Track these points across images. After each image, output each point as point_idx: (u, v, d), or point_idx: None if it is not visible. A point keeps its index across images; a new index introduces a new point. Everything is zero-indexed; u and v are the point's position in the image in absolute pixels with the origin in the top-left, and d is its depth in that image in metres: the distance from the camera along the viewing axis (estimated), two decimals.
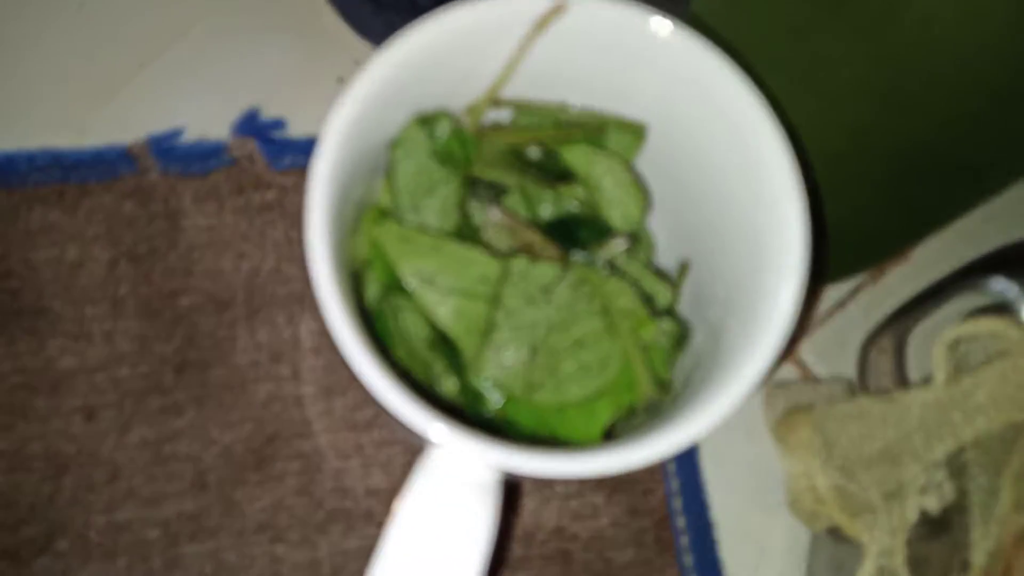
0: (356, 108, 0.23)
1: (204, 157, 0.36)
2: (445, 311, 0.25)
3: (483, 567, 0.22)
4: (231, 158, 0.37)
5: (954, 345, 0.27)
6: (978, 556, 0.25)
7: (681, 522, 0.34)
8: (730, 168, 0.25)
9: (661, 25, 0.24)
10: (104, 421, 0.33)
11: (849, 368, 0.37)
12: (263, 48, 0.39)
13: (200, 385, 0.34)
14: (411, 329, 0.25)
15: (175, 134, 0.37)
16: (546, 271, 0.26)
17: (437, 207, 0.26)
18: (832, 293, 0.38)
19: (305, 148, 0.37)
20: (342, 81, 0.39)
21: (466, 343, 0.25)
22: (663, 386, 0.25)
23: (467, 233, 0.27)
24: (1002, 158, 0.27)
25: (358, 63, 0.40)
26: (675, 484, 0.35)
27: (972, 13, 0.24)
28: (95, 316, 0.34)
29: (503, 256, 0.25)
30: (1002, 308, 0.27)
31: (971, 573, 0.25)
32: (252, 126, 0.37)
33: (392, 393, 0.20)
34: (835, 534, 0.33)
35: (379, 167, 0.26)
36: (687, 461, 0.35)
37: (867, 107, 0.25)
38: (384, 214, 0.26)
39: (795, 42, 0.27)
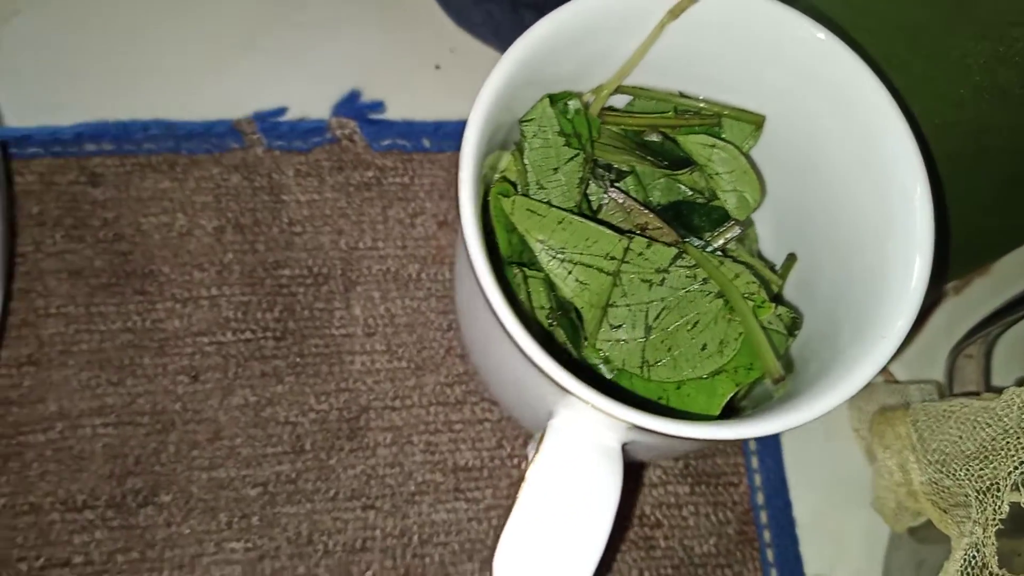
0: (499, 85, 0.24)
1: (306, 135, 0.37)
2: (571, 283, 0.25)
3: (610, 528, 0.22)
4: (332, 136, 0.38)
5: None
6: None
7: (764, 517, 0.35)
8: (852, 162, 0.26)
9: (799, 21, 0.25)
10: (208, 383, 0.33)
11: (932, 376, 0.37)
12: (365, 34, 0.40)
13: (298, 354, 0.34)
14: (533, 299, 0.26)
15: (279, 111, 0.38)
16: (663, 253, 0.27)
17: (562, 184, 0.27)
18: None
19: (403, 131, 0.38)
20: (439, 68, 0.40)
21: (587, 316, 0.26)
22: (788, 366, 0.26)
23: (585, 212, 0.27)
24: None
25: (454, 51, 0.41)
26: (758, 479, 0.35)
27: None
28: (201, 281, 0.35)
29: (623, 235, 0.26)
30: None
31: None
32: (352, 107, 0.38)
33: (539, 352, 0.21)
34: (916, 534, 0.34)
35: (502, 143, 0.27)
36: (771, 457, 0.35)
37: (988, 107, 0.26)
38: (511, 187, 0.26)
39: (913, 41, 0.28)
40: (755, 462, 0.35)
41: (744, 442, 0.35)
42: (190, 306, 0.34)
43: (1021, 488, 0.28)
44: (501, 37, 0.39)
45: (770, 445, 0.35)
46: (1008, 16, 0.26)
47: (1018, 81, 0.25)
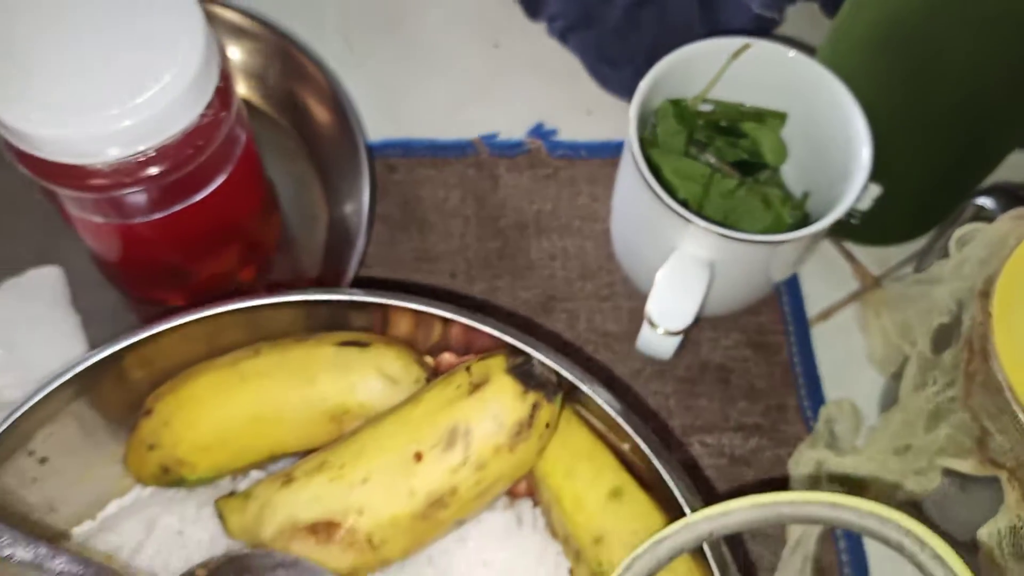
0: (643, 93, 0.48)
1: (513, 147, 0.62)
2: (684, 190, 0.48)
3: (703, 297, 0.44)
4: (527, 148, 0.62)
5: (960, 238, 0.49)
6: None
7: (799, 368, 0.56)
8: (834, 133, 0.49)
9: (801, 58, 0.49)
10: (460, 279, 0.57)
11: None
12: (545, 88, 0.65)
13: (511, 267, 0.58)
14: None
15: (495, 135, 0.63)
16: (731, 182, 0.49)
17: (676, 145, 0.50)
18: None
19: (569, 146, 0.63)
20: (590, 112, 0.65)
21: (691, 206, 0.49)
22: (803, 221, 0.48)
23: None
24: None
25: (599, 102, 0.65)
26: (794, 346, 0.56)
27: None
28: (455, 225, 0.59)
29: (711, 171, 0.49)
30: (989, 217, 0.49)
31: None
32: (538, 131, 0.63)
33: (668, 199, 0.44)
34: (896, 377, 0.54)
35: (645, 125, 0.51)
36: (801, 333, 0.57)
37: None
38: (650, 145, 0.50)
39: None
40: (792, 336, 0.56)
41: (784, 319, 0.57)
42: (448, 239, 0.58)
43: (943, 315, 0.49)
44: (629, 91, 0.64)
45: (800, 323, 0.57)
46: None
47: None
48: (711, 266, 0.45)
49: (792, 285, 0.58)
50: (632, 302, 0.57)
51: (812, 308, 0.58)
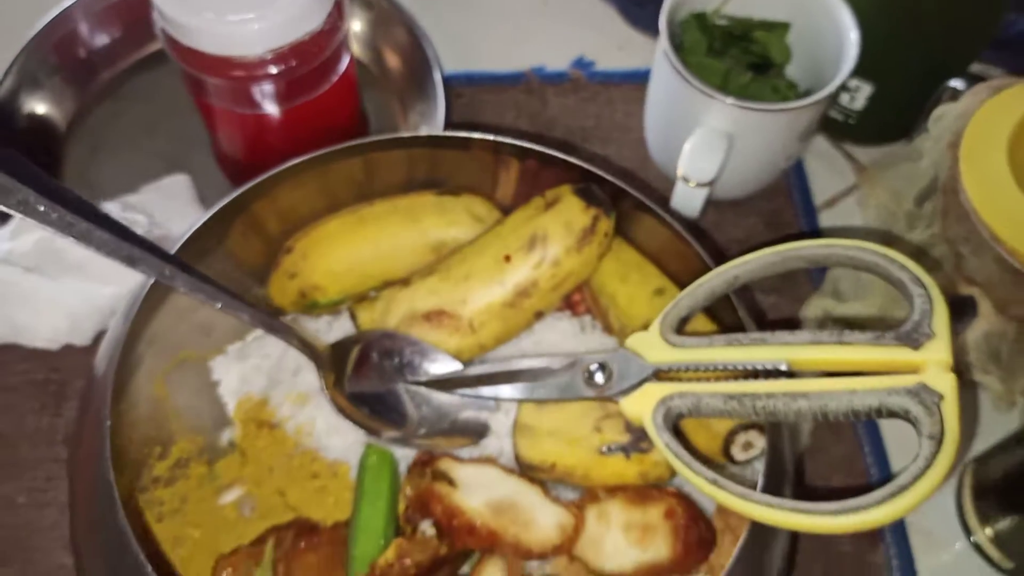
0: (670, 6, 0.59)
1: (558, 76, 0.73)
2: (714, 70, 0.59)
3: (725, 158, 0.55)
4: (570, 77, 0.73)
5: (936, 117, 0.59)
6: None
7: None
8: (828, 34, 0.59)
9: None
10: None
11: None
12: (580, 28, 0.76)
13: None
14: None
15: (543, 67, 0.74)
16: (745, 77, 0.60)
17: (699, 49, 0.61)
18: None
19: (605, 75, 0.74)
20: (621, 48, 0.76)
21: None
22: (800, 96, 0.59)
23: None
24: None
25: (629, 39, 0.76)
26: (804, 227, 0.66)
27: None
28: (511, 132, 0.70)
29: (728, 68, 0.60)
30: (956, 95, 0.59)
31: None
32: (579, 63, 0.74)
33: (692, 76, 0.55)
34: (888, 236, 0.64)
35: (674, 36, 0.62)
36: (810, 217, 0.67)
37: None
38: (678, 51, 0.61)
39: None
40: (802, 216, 0.67)
41: (794, 205, 0.67)
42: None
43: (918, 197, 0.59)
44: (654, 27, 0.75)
45: (808, 209, 0.67)
46: None
47: None
48: (731, 137, 0.56)
49: (800, 178, 0.69)
50: (665, 195, 0.68)
51: (818, 199, 0.69)
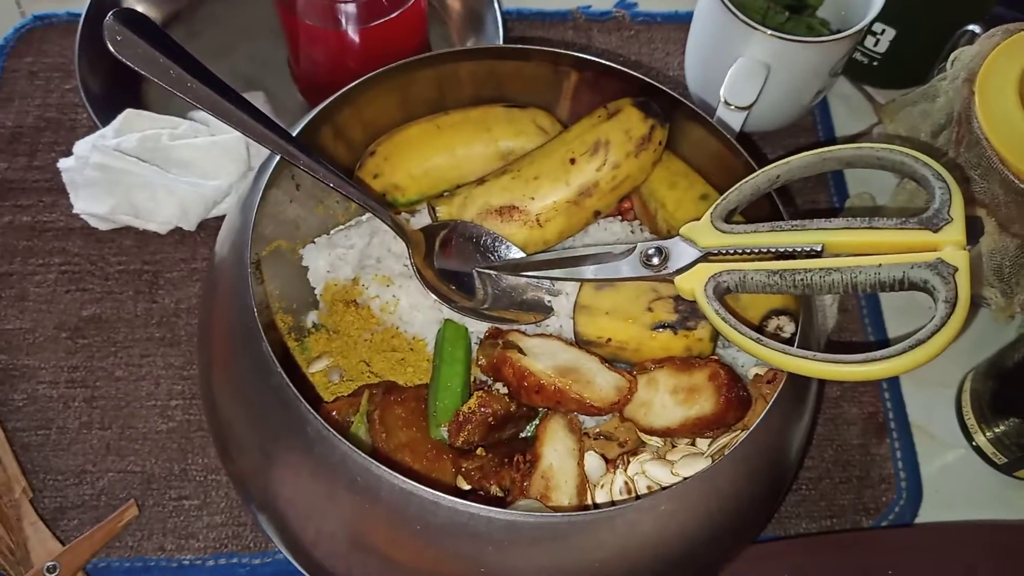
0: None
1: (603, 15, 0.79)
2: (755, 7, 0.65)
3: (759, 92, 0.61)
4: (614, 15, 0.79)
5: (954, 58, 0.65)
6: None
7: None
8: None
9: None
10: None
11: None
12: None
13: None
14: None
15: (589, 6, 0.80)
16: (782, 16, 0.66)
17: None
18: None
19: (647, 15, 0.79)
20: None
21: None
22: (828, 28, 0.65)
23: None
24: None
25: None
26: None
27: None
28: None
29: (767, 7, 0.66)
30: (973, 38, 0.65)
31: None
32: (622, 4, 0.80)
33: (734, 8, 0.60)
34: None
35: None
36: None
37: None
38: None
39: None
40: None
41: (819, 141, 0.73)
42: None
43: (934, 131, 0.65)
44: None
45: (827, 129, 0.73)
46: None
47: None
48: (768, 67, 0.62)
49: (824, 116, 0.75)
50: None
51: (841, 135, 0.75)
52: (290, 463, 0.40)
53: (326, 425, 0.38)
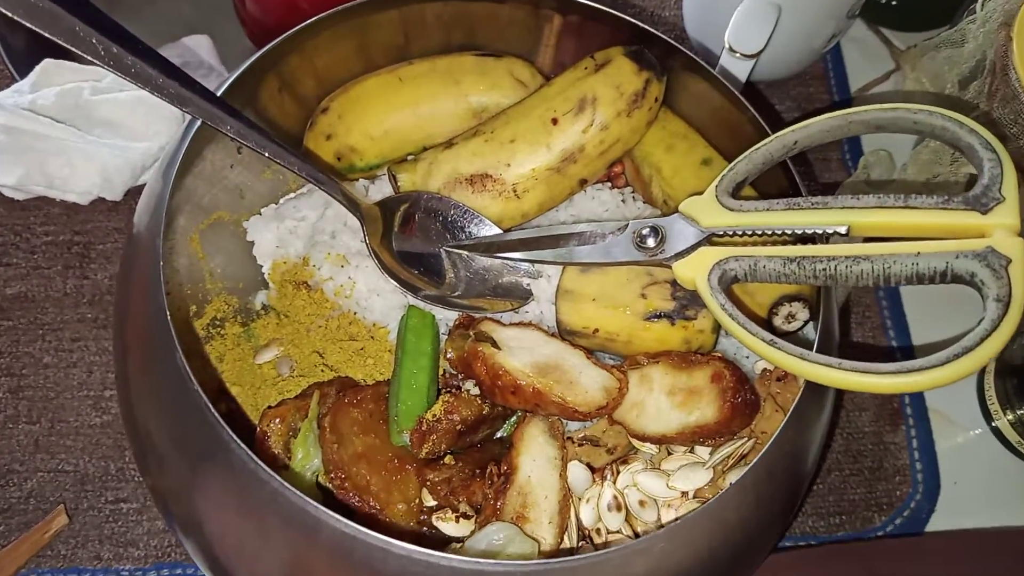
0: None
1: None
2: None
3: (768, 39, 0.53)
4: None
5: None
6: None
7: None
8: None
9: None
10: None
11: None
12: None
13: None
14: None
15: None
16: None
17: None
18: None
19: None
20: None
21: None
22: None
23: None
24: None
25: None
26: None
27: None
28: None
29: None
30: None
31: None
32: None
33: None
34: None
35: None
36: (845, 102, 0.65)
37: None
38: None
39: None
40: (837, 103, 0.65)
41: (830, 90, 0.65)
42: None
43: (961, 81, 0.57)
44: None
45: (844, 93, 0.66)
46: None
47: None
48: (779, 8, 0.54)
49: (837, 62, 0.67)
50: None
51: (854, 85, 0.67)
52: (215, 494, 0.34)
53: (253, 456, 0.31)
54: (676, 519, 0.34)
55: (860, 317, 0.59)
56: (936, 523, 0.54)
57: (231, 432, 0.31)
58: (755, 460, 0.34)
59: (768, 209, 0.38)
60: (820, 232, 0.37)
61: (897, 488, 0.55)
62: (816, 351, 0.36)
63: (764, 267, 0.37)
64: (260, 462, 0.31)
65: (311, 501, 0.30)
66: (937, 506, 0.55)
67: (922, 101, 0.62)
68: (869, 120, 0.39)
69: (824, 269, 0.36)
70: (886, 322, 0.59)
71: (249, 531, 0.33)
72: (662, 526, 0.39)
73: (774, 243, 0.38)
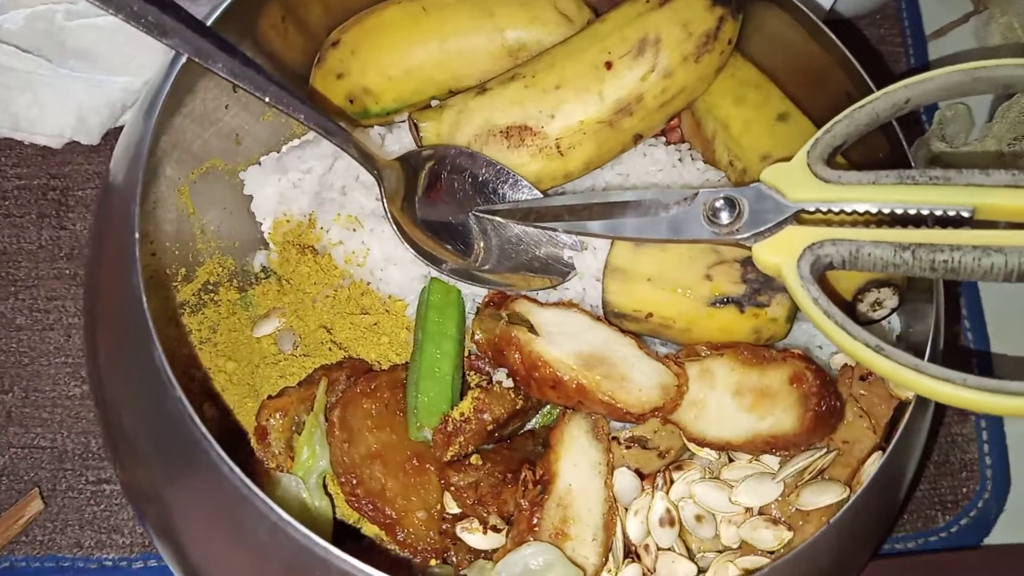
0: None
1: None
2: None
3: None
4: None
5: None
6: None
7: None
8: None
9: None
10: None
11: None
12: None
13: None
14: None
15: None
16: None
17: None
18: None
19: None
20: None
21: None
22: None
23: None
24: None
25: None
26: (912, 58, 0.58)
27: None
28: None
29: None
30: None
31: None
32: None
33: None
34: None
35: None
36: (919, 46, 0.58)
37: None
38: None
39: None
40: (911, 47, 0.58)
41: (903, 32, 0.58)
42: None
43: None
44: None
45: (919, 37, 0.58)
46: None
47: None
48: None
49: (911, 2, 0.60)
50: None
51: (929, 28, 0.60)
52: (194, 505, 0.28)
53: (246, 480, 0.25)
54: (761, 568, 0.28)
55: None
56: (1004, 525, 0.49)
57: (219, 450, 0.25)
58: (854, 497, 0.28)
59: (874, 183, 0.32)
60: (939, 213, 0.31)
61: (963, 485, 0.50)
62: (929, 359, 0.29)
63: (869, 255, 0.31)
64: (252, 485, 0.25)
65: (317, 540, 0.25)
66: (1006, 506, 0.49)
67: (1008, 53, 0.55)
68: (995, 77, 0.32)
69: (945, 261, 0.30)
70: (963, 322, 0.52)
71: (243, 566, 0.27)
72: (723, 549, 0.34)
73: (879, 224, 0.32)
